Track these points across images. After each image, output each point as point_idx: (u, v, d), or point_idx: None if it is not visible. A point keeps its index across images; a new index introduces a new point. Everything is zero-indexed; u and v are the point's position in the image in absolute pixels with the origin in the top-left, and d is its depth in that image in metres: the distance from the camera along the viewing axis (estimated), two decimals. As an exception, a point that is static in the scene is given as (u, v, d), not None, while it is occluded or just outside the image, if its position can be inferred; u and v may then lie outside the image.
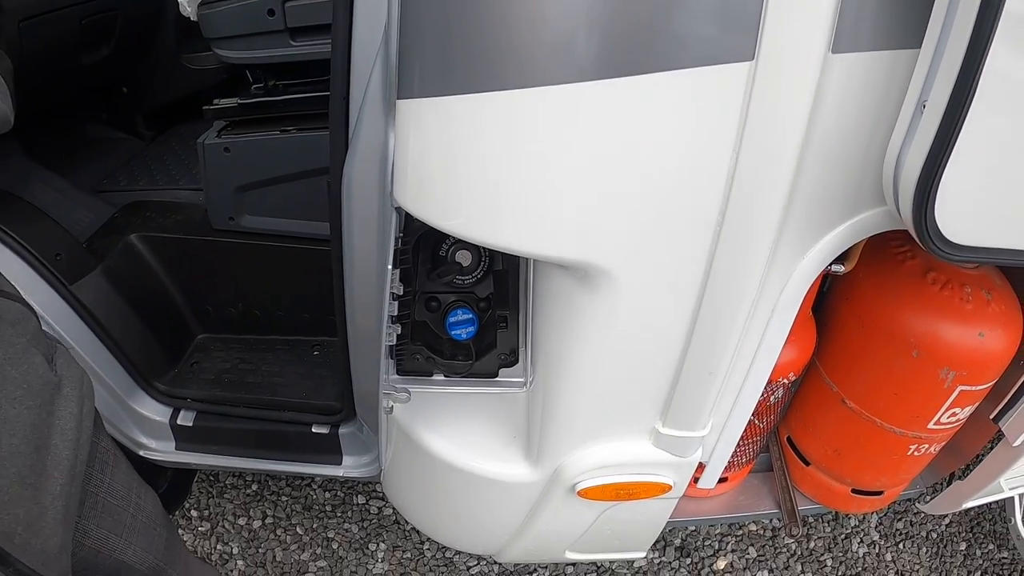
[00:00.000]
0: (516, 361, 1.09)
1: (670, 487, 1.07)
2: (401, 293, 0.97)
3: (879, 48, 0.68)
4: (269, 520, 2.04)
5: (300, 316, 1.69)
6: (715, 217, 0.75)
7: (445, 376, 1.12)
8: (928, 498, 1.61)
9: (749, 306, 0.83)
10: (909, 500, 2.02)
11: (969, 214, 0.70)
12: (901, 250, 1.20)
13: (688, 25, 0.66)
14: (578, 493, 1.05)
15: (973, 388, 1.17)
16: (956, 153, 0.64)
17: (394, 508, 2.04)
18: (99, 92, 2.01)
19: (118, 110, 2.08)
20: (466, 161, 0.77)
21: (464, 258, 1.02)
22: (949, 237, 0.70)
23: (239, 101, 1.42)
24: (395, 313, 0.98)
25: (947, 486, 1.54)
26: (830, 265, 0.88)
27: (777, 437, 1.62)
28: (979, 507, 1.67)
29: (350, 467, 1.57)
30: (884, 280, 1.20)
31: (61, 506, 0.72)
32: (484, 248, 1.02)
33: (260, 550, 1.99)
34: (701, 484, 1.17)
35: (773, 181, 0.72)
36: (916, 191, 0.68)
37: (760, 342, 0.91)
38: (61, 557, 0.72)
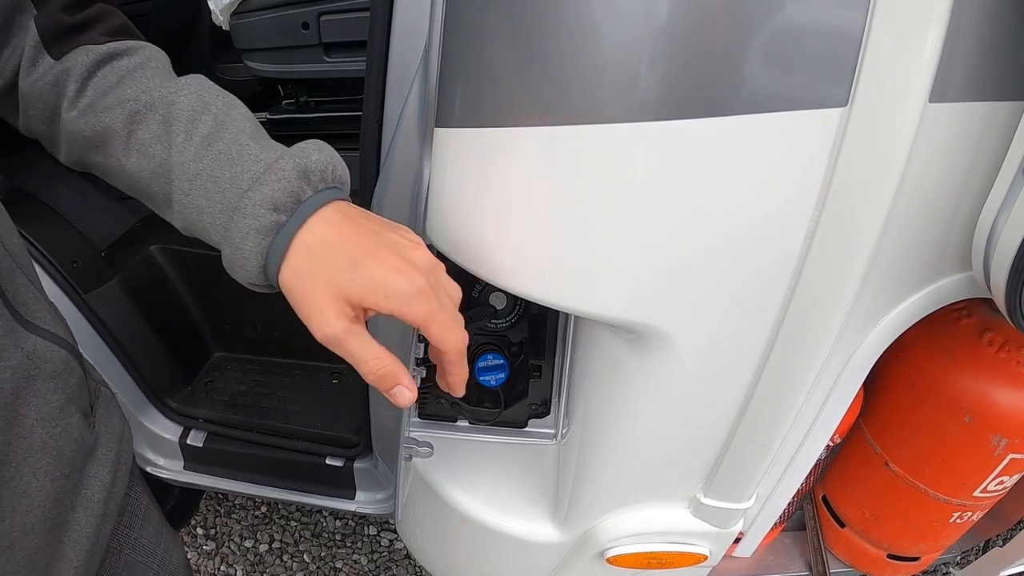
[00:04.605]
0: (547, 412, 1.01)
1: (706, 557, 0.98)
2: (428, 335, 0.90)
3: (978, 99, 0.61)
4: (276, 545, 1.98)
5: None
6: (788, 280, 0.66)
7: (470, 423, 1.04)
8: (960, 561, 1.54)
9: (814, 377, 0.74)
10: (946, 564, 1.93)
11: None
12: (957, 307, 1.12)
13: (777, 64, 0.58)
14: (607, 560, 0.97)
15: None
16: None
17: (406, 542, 1.98)
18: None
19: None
20: (509, 202, 0.69)
21: (498, 301, 0.94)
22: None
23: (269, 116, 1.37)
24: (420, 355, 0.91)
25: (983, 550, 1.46)
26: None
27: (812, 496, 1.53)
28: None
29: (363, 503, 1.50)
30: (938, 338, 1.12)
31: None
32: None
33: (265, 575, 1.94)
34: (738, 553, 1.09)
35: (857, 241, 0.64)
36: (1012, 267, 0.60)
37: (818, 414, 0.82)
38: None
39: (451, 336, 0.58)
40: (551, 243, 0.68)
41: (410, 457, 0.94)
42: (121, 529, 0.76)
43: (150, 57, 0.63)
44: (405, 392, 0.58)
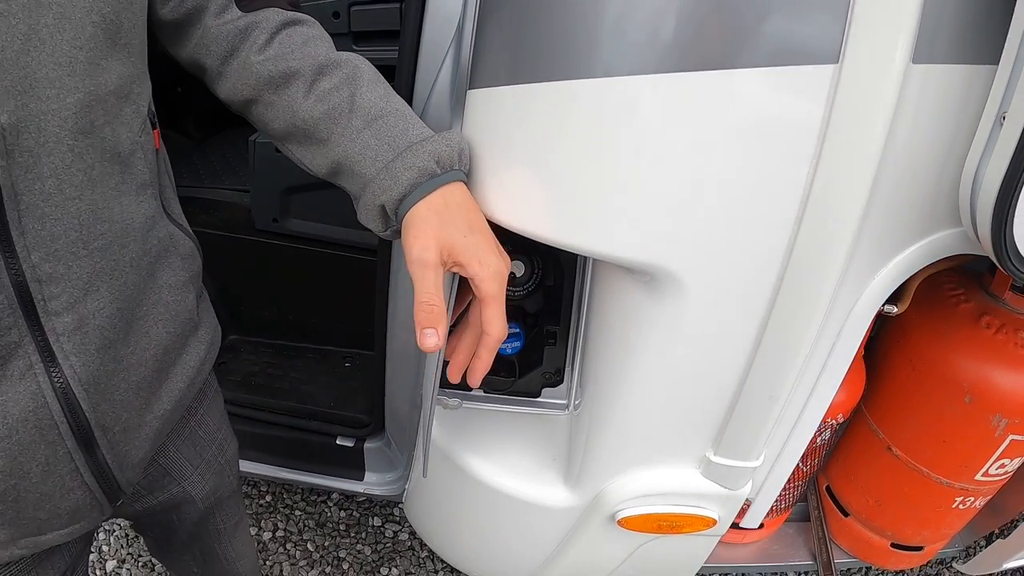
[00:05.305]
0: (561, 381, 1.04)
1: (715, 522, 1.01)
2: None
3: (958, 61, 0.67)
4: (280, 533, 2.00)
5: (335, 326, 1.66)
6: (790, 228, 0.72)
7: (484, 392, 1.07)
8: (964, 557, 1.55)
9: (818, 325, 0.79)
10: (944, 562, 1.95)
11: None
12: (955, 292, 1.17)
13: (775, 22, 0.64)
14: (618, 522, 0.99)
15: (1024, 438, 1.12)
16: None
17: (410, 534, 1.99)
18: (153, 89, 2.01)
19: (170, 108, 2.09)
20: (533, 151, 0.75)
21: (516, 268, 0.98)
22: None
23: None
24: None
25: (986, 545, 1.49)
26: (883, 305, 0.85)
27: (816, 486, 1.57)
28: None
29: (372, 484, 1.52)
30: (937, 323, 1.18)
31: (157, 426, 0.78)
32: (537, 259, 0.99)
33: (268, 563, 1.94)
34: (745, 523, 1.12)
35: (851, 192, 0.69)
36: (995, 206, 0.65)
37: (822, 369, 0.86)
38: (136, 469, 0.77)
39: (501, 321, 0.70)
40: (571, 189, 0.73)
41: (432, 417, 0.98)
42: (193, 402, 0.91)
43: (324, 33, 0.80)
44: (435, 337, 0.68)
